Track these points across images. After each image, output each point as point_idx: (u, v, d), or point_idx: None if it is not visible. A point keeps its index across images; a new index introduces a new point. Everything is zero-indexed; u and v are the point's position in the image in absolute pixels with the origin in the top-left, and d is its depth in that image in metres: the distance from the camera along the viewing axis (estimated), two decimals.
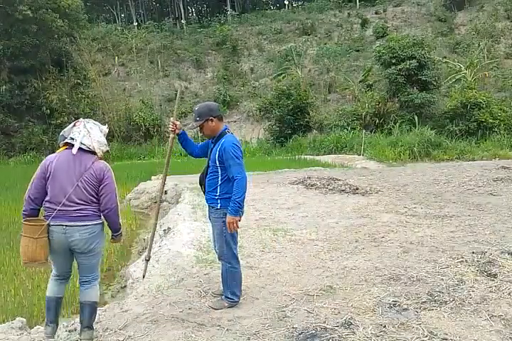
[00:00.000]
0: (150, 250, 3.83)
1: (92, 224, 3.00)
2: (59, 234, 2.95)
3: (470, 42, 24.84)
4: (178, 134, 3.51)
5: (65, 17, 21.94)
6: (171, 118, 3.48)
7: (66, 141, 3.01)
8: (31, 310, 4.37)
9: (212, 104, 3.57)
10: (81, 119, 3.09)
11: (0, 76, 21.73)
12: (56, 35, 22.38)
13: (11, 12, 20.13)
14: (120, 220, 3.13)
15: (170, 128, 3.47)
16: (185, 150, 3.68)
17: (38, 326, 3.63)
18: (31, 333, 3.48)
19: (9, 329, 3.46)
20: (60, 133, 3.06)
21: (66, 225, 2.94)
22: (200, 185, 3.63)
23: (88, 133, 2.97)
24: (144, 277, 3.91)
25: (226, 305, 3.48)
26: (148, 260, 3.78)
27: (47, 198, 3.00)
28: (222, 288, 3.61)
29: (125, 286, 4.82)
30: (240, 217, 3.52)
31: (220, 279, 3.63)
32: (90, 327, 3.13)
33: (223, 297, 3.55)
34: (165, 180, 3.72)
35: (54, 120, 21.80)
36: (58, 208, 2.94)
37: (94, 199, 3.01)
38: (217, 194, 3.42)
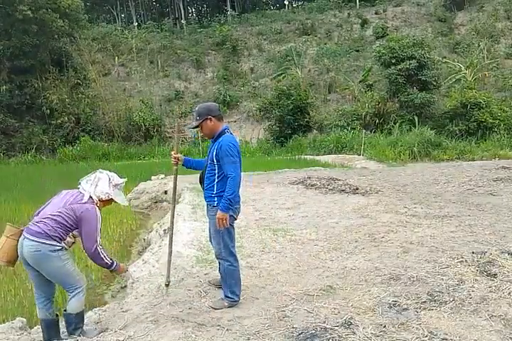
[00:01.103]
0: (169, 275, 3.79)
1: (38, 241, 3.03)
2: (20, 242, 3.12)
3: (470, 42, 24.85)
4: (182, 164, 3.70)
5: (65, 17, 21.96)
6: (172, 153, 3.65)
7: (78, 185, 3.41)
8: (31, 310, 4.35)
9: (212, 105, 3.63)
10: (97, 170, 3.45)
11: (0, 76, 21.73)
12: (56, 35, 22.41)
13: (11, 12, 20.15)
14: (106, 259, 3.22)
15: (172, 162, 3.64)
16: (196, 170, 3.81)
17: (38, 326, 3.63)
18: (31, 333, 3.48)
19: (9, 329, 3.46)
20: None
21: (25, 236, 3.10)
22: (201, 183, 3.68)
23: (96, 182, 3.32)
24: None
25: (226, 304, 3.48)
26: (168, 285, 3.77)
27: None
28: (220, 280, 3.66)
29: (125, 286, 4.81)
30: (237, 215, 3.55)
31: (219, 278, 3.64)
32: (71, 333, 3.22)
33: (223, 296, 3.55)
34: (174, 214, 3.86)
35: (54, 120, 21.81)
36: (32, 221, 3.19)
37: (59, 222, 3.11)
38: (214, 192, 3.46)
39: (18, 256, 3.15)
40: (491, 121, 17.25)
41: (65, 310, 3.26)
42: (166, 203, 9.23)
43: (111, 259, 3.28)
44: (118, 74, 27.42)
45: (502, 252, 4.33)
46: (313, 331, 2.93)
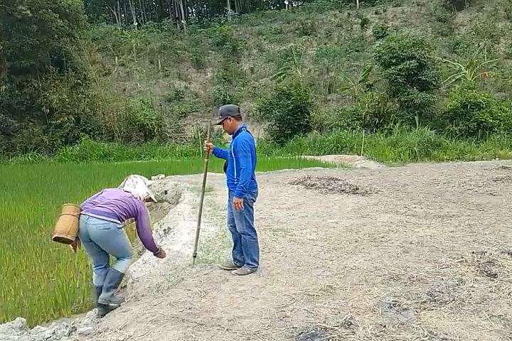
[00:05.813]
0: (196, 247, 4.53)
1: (108, 220, 3.55)
2: (82, 222, 3.56)
3: (470, 42, 24.87)
4: (213, 152, 4.29)
5: (65, 17, 21.96)
6: (205, 141, 4.36)
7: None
8: (31, 310, 4.37)
9: (232, 107, 4.27)
10: (131, 175, 4.10)
11: (0, 76, 21.73)
12: (56, 35, 22.40)
13: (10, 12, 20.13)
14: (156, 246, 4.05)
15: (205, 149, 4.29)
16: (222, 158, 4.37)
17: (38, 326, 3.63)
18: (31, 333, 3.48)
19: (9, 329, 3.46)
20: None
21: (89, 216, 3.56)
22: (225, 170, 4.29)
23: (135, 185, 3.97)
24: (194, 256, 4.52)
25: (249, 270, 4.09)
26: (195, 256, 4.51)
27: None
28: (232, 261, 4.34)
29: (125, 286, 4.81)
30: (255, 197, 4.23)
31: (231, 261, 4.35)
32: (107, 289, 3.65)
33: (245, 265, 4.16)
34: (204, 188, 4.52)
35: (54, 120, 21.81)
36: (90, 201, 3.73)
37: (124, 208, 3.70)
38: (235, 180, 4.06)
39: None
40: (491, 121, 17.26)
41: (110, 267, 3.75)
42: (166, 203, 9.23)
43: (158, 246, 4.11)
44: (118, 74, 27.41)
45: (502, 252, 4.33)
46: (313, 331, 2.93)
